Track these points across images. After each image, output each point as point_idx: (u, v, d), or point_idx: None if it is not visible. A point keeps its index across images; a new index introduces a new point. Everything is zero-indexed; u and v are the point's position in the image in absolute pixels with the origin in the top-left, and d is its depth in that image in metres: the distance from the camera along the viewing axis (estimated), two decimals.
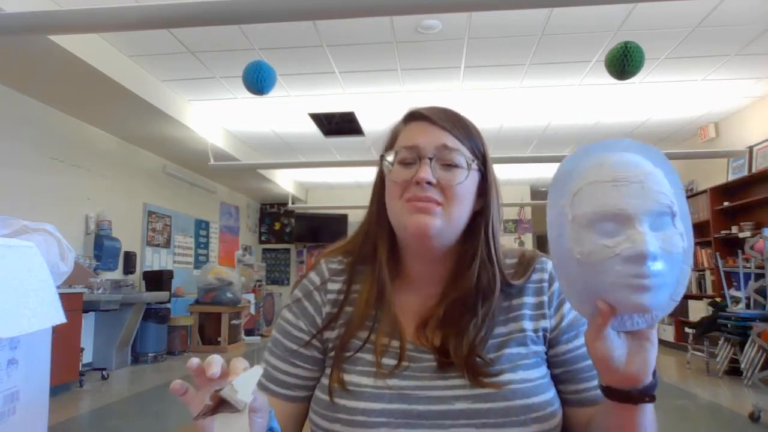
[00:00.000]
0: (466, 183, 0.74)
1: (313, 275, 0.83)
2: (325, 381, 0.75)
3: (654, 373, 0.59)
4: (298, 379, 0.78)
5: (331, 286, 0.81)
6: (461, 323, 0.74)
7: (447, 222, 0.73)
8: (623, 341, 0.58)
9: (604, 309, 0.56)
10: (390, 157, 0.76)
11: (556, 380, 0.75)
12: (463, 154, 0.74)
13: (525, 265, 0.79)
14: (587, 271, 0.57)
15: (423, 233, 0.72)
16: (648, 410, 0.61)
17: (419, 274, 0.79)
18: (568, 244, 0.59)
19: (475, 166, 0.75)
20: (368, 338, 0.75)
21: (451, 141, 0.74)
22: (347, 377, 0.73)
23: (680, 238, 0.57)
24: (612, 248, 0.55)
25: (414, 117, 0.78)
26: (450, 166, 0.73)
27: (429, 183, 0.72)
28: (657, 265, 0.55)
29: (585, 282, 0.58)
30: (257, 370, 0.56)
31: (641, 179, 0.57)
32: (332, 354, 0.76)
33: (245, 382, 0.54)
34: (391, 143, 0.79)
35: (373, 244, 0.79)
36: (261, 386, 0.76)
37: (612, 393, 0.61)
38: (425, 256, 0.77)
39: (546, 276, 0.79)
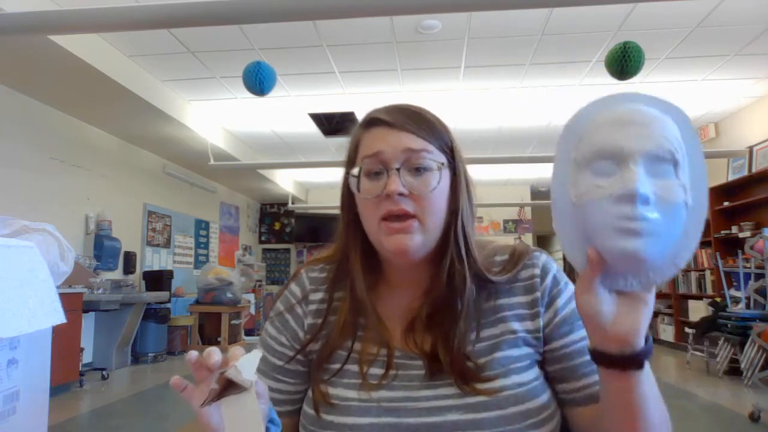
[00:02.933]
0: (440, 186, 0.70)
1: (293, 287, 0.80)
2: (311, 394, 0.73)
3: (647, 340, 0.56)
4: (283, 395, 0.76)
5: (312, 296, 0.78)
6: (445, 325, 0.70)
7: (425, 235, 0.69)
8: (613, 299, 0.55)
9: (593, 256, 0.53)
10: (355, 171, 0.71)
11: (554, 379, 0.71)
12: (430, 155, 0.70)
13: (515, 260, 0.75)
14: (580, 214, 0.55)
15: (403, 253, 0.69)
16: (645, 380, 0.57)
17: (400, 279, 0.76)
18: (567, 189, 0.56)
19: (445, 164, 0.71)
20: (352, 347, 0.72)
21: (416, 142, 0.69)
22: (332, 390, 0.70)
23: (682, 190, 0.53)
24: (604, 188, 0.53)
25: (373, 122, 0.73)
26: (419, 170, 0.69)
27: (401, 194, 0.67)
28: (649, 210, 0.51)
29: (578, 228, 0.55)
30: (256, 354, 0.57)
31: (646, 122, 0.54)
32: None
33: (247, 364, 0.55)
34: (353, 153, 0.74)
35: (348, 256, 0.76)
36: None
37: (599, 357, 0.57)
38: (405, 265, 0.74)
39: (538, 271, 0.73)
